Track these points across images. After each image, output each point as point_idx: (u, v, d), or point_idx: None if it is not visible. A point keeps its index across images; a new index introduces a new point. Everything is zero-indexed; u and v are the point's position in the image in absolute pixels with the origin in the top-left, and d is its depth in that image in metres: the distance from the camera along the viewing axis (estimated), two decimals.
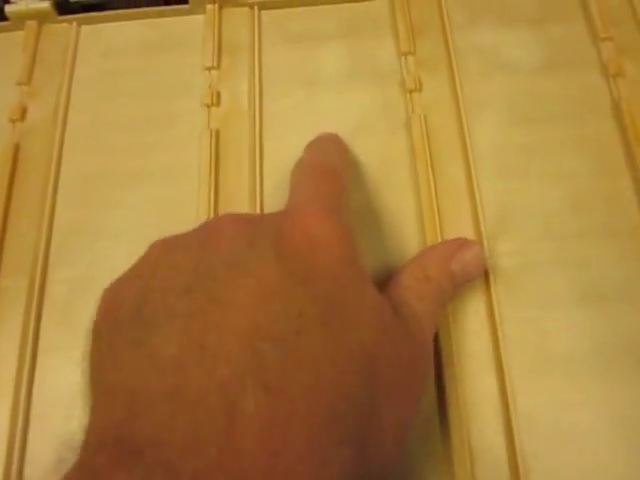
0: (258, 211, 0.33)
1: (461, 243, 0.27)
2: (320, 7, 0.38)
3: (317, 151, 0.30)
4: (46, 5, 0.38)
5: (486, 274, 0.30)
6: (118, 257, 0.33)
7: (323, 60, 0.37)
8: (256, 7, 0.38)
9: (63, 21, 0.39)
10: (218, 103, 0.35)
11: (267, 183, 0.34)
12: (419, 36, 0.37)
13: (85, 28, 0.39)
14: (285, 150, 0.34)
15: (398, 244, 0.32)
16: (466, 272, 0.26)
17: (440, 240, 0.31)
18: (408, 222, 0.32)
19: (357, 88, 0.36)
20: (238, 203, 0.33)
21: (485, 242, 0.31)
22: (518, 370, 0.28)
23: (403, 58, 0.36)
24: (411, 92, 0.35)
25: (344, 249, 0.19)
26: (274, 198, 0.33)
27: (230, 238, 0.19)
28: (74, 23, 0.39)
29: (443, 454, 0.27)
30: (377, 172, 0.34)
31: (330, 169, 0.26)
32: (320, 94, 0.36)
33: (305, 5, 0.38)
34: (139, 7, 0.39)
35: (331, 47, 0.37)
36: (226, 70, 0.37)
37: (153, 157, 0.34)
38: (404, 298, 0.23)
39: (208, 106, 0.35)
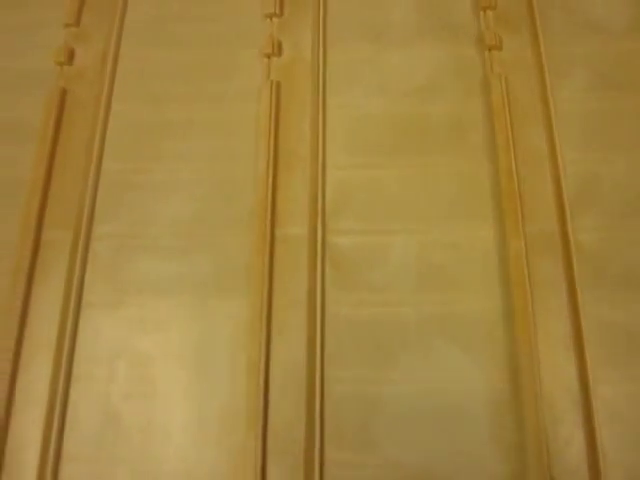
0: (320, 168, 0.30)
1: None
2: None
3: None
4: None
5: (567, 249, 0.28)
6: (167, 214, 0.31)
7: (392, 11, 0.34)
8: None
9: None
10: (279, 53, 0.33)
11: (330, 140, 0.31)
12: None
13: None
14: (349, 106, 0.32)
15: (472, 214, 0.29)
16: None
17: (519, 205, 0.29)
18: (483, 190, 0.30)
19: (429, 43, 0.33)
20: (298, 161, 0.30)
21: (567, 215, 0.28)
22: (600, 357, 0.26)
23: (482, 12, 0.33)
24: (490, 49, 0.32)
25: None
26: (337, 155, 0.31)
27: None
28: None
29: (516, 444, 0.25)
30: (449, 135, 0.31)
31: None
32: (388, 48, 0.33)
33: None
34: None
35: None
36: (288, 18, 0.34)
37: (209, 109, 0.32)
38: None
39: (268, 56, 0.33)
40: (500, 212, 0.29)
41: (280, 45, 0.33)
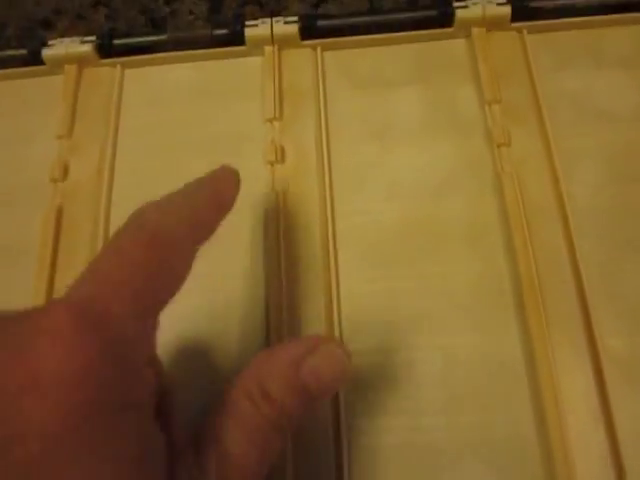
0: (333, 277, 0.29)
1: (313, 343, 0.20)
2: (390, 47, 0.35)
3: (177, 203, 0.21)
4: (87, 48, 0.35)
5: (595, 354, 0.27)
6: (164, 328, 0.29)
7: (396, 108, 0.33)
8: (319, 48, 0.35)
9: (106, 65, 0.36)
10: (282, 159, 0.32)
11: (342, 251, 0.30)
12: (503, 81, 0.33)
13: (130, 72, 0.36)
14: (359, 214, 0.31)
15: (494, 323, 0.28)
16: (321, 383, 0.19)
17: (541, 314, 0.27)
18: (504, 294, 0.29)
19: (436, 141, 0.32)
20: (308, 275, 0.29)
21: (592, 317, 0.27)
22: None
23: (487, 107, 0.32)
24: (499, 146, 0.31)
25: (80, 400, 0.14)
26: (349, 264, 0.30)
27: None
28: (118, 66, 0.35)
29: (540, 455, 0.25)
30: (465, 238, 0.30)
31: (168, 242, 0.19)
32: (395, 147, 0.32)
33: (374, 45, 0.35)
34: (189, 49, 0.35)
35: (405, 93, 0.34)
36: (289, 120, 0.33)
37: None
38: (220, 436, 0.18)
39: (271, 163, 0.32)
40: (523, 317, 0.28)
41: (283, 151, 0.32)
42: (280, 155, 0.32)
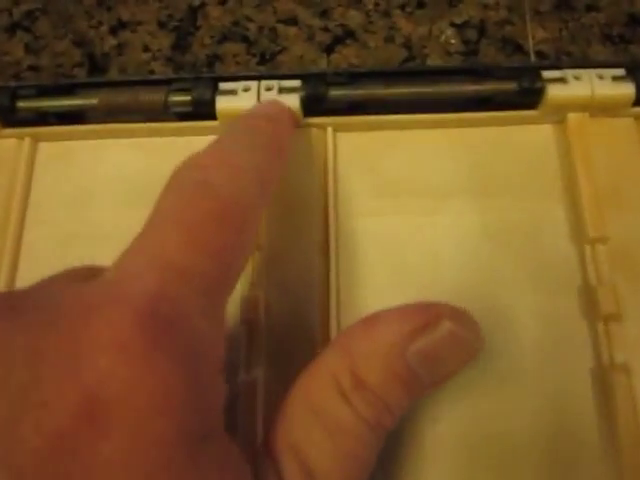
0: None
1: (426, 317, 0.15)
2: (438, 133, 0.23)
3: (238, 155, 0.17)
4: None
5: None
6: None
7: (443, 235, 0.22)
8: (330, 129, 0.23)
9: (10, 136, 0.24)
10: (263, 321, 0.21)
11: None
12: (615, 203, 0.22)
13: (44, 147, 0.24)
14: None
15: None
16: (437, 371, 0.15)
17: None
18: None
19: (502, 293, 0.21)
20: None
21: None
22: None
23: (588, 247, 0.21)
24: (606, 321, 0.20)
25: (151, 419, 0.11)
26: None
27: None
28: (27, 139, 0.24)
29: None
30: (542, 457, 0.19)
31: (242, 214, 0.15)
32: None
33: (412, 128, 0.23)
34: (130, 121, 0.23)
35: (455, 212, 0.22)
36: (275, 253, 0.22)
37: None
38: (302, 446, 0.13)
39: (248, 323, 0.20)
40: None
41: (267, 306, 0.21)
42: (261, 311, 0.20)
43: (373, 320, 0.15)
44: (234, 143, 0.17)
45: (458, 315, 0.15)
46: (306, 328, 0.20)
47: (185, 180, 0.15)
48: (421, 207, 0.22)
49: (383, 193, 0.22)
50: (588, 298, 0.20)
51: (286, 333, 0.20)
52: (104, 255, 0.23)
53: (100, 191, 0.24)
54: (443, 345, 0.14)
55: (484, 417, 0.19)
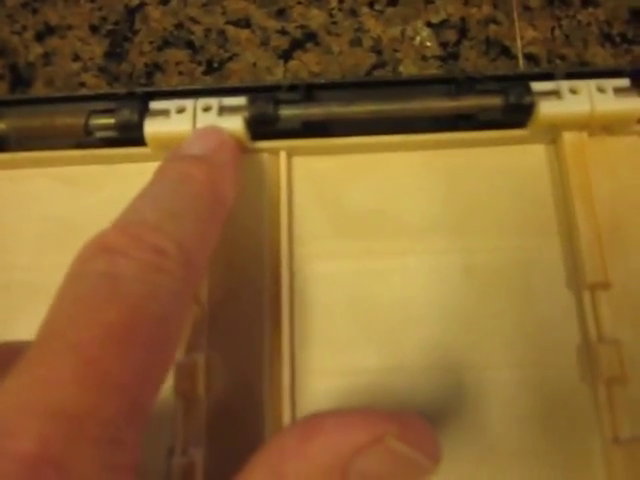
0: None
1: (371, 432, 0.11)
2: (410, 156, 0.19)
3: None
4: None
5: None
6: None
7: (411, 285, 0.18)
8: (283, 154, 0.19)
9: None
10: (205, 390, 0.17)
11: None
12: (618, 239, 0.18)
13: None
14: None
15: None
16: None
17: None
18: None
19: (488, 350, 0.18)
20: None
21: None
22: None
23: (587, 294, 0.18)
24: (609, 384, 0.17)
25: None
26: None
27: None
28: None
29: None
30: None
31: (155, 306, 0.12)
32: (399, 364, 0.18)
33: (381, 150, 0.20)
34: (53, 148, 0.20)
35: (434, 252, 0.19)
36: (217, 311, 0.18)
37: None
38: None
39: (185, 395, 0.17)
40: None
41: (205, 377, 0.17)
42: (200, 380, 0.17)
43: (310, 430, 0.12)
44: (154, 208, 0.14)
45: (409, 430, 0.11)
46: (254, 402, 0.17)
47: (86, 272, 0.12)
48: (391, 247, 0.19)
49: (346, 231, 0.19)
50: (588, 357, 0.17)
51: (230, 407, 0.17)
52: (22, 308, 0.20)
53: (18, 230, 0.20)
54: (389, 467, 0.11)
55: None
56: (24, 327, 0.18)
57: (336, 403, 0.17)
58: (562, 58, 0.23)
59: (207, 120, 0.18)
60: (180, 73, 0.23)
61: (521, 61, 0.23)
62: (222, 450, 0.17)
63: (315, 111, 0.19)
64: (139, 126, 0.18)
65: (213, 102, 0.18)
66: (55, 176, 0.20)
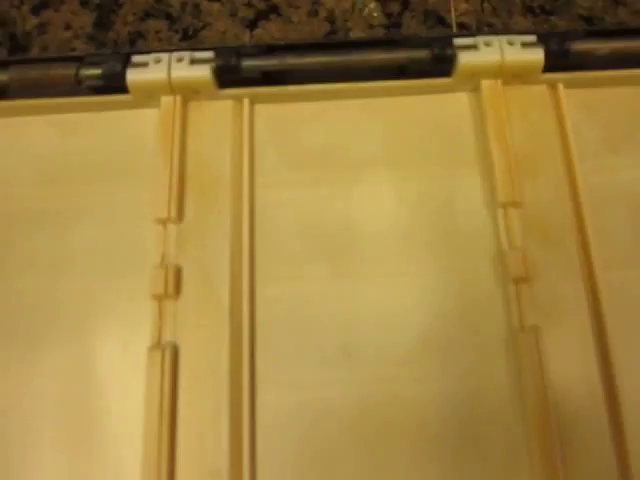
0: None
1: None
2: (354, 103, 0.23)
3: None
4: None
5: None
6: None
7: (360, 205, 0.22)
8: (246, 100, 0.23)
9: None
10: (176, 292, 0.20)
11: (262, 450, 0.19)
12: (528, 167, 0.22)
13: None
14: (291, 388, 0.20)
15: None
16: None
17: None
18: None
19: (419, 265, 0.21)
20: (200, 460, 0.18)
21: None
22: None
23: (500, 211, 0.21)
24: (517, 283, 0.20)
25: None
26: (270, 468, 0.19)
27: None
28: None
29: None
30: (450, 434, 0.19)
31: None
32: (354, 275, 0.21)
33: (329, 99, 0.23)
34: (46, 96, 0.23)
35: (373, 181, 0.22)
36: (191, 224, 0.21)
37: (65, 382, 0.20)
38: None
39: (159, 298, 0.20)
40: None
41: (178, 276, 0.20)
42: (174, 284, 0.20)
43: None
44: None
45: None
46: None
47: None
48: (337, 178, 0.22)
49: (299, 165, 0.22)
50: (500, 261, 0.20)
51: None
52: (21, 232, 0.23)
53: (18, 167, 0.23)
54: None
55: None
56: (25, 248, 0.21)
57: (290, 308, 0.20)
58: (489, 26, 0.26)
59: (181, 69, 0.22)
60: (159, 40, 0.27)
61: (454, 29, 0.26)
62: None
63: (273, 62, 0.22)
64: (122, 75, 0.22)
65: (185, 55, 0.22)
66: (49, 123, 0.23)
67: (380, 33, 0.26)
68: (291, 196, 0.22)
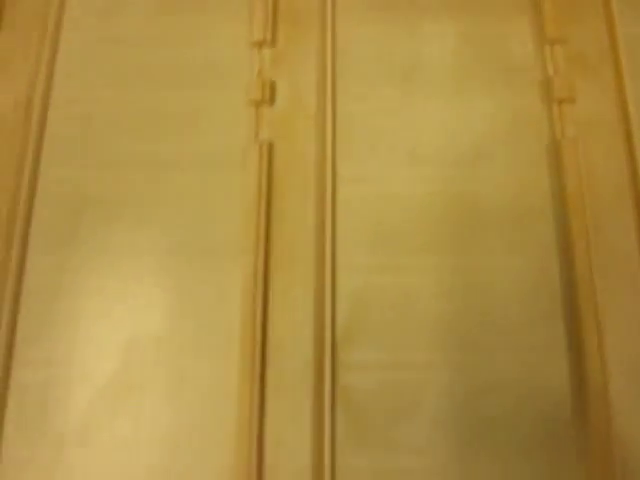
0: (328, 272, 0.22)
1: None
2: None
3: None
4: None
5: None
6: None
7: (425, 45, 0.25)
8: None
9: None
10: (272, 99, 0.24)
11: (341, 228, 0.23)
12: (571, 16, 0.25)
13: None
14: (368, 181, 0.23)
15: (539, 336, 0.22)
16: None
17: None
18: (554, 297, 0.22)
19: (475, 92, 0.24)
20: (298, 260, 0.22)
21: None
22: None
23: (547, 47, 0.24)
24: (560, 103, 0.24)
25: None
26: (352, 253, 0.22)
27: None
28: None
29: None
30: (506, 225, 0.23)
31: None
32: (420, 98, 0.24)
33: None
34: None
35: (438, 23, 0.25)
36: (283, 48, 0.25)
37: (174, 179, 0.23)
38: None
39: (256, 104, 0.24)
40: (577, 335, 0.21)
41: (273, 88, 0.24)
42: (269, 93, 0.24)
43: None
44: None
45: None
46: None
47: None
48: (409, 19, 0.25)
49: (379, 6, 0.26)
50: (546, 86, 0.24)
51: None
52: (131, 62, 0.26)
53: (129, 7, 0.26)
54: None
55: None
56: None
57: (366, 120, 0.24)
58: None
59: None
60: None
61: None
62: None
63: None
64: None
65: None
66: None
67: None
68: (368, 31, 0.25)
